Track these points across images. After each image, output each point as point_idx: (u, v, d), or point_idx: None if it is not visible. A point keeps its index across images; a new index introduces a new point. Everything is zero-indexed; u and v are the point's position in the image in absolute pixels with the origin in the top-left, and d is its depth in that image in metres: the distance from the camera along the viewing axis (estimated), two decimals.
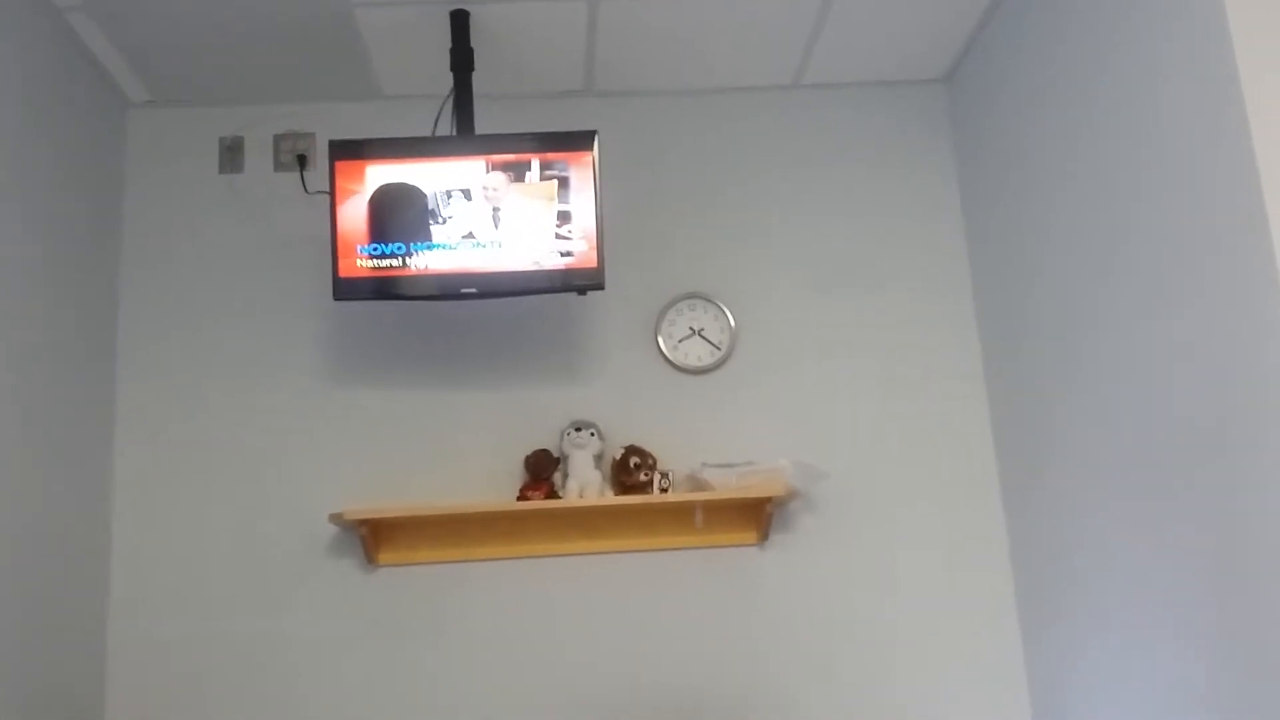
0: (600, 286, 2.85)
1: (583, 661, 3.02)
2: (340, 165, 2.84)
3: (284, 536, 3.06)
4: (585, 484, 2.99)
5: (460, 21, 2.92)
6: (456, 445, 3.12)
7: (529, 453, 3.05)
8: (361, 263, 2.81)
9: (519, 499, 3.01)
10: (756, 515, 3.06)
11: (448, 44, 2.94)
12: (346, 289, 2.82)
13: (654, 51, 3.14)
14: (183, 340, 3.16)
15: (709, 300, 3.23)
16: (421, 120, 3.08)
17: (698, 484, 3.02)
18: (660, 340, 3.21)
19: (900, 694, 3.03)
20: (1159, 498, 2.34)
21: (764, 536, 3.08)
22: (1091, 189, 2.57)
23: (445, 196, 2.84)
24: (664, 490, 3.01)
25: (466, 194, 2.84)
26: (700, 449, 3.10)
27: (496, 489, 3.08)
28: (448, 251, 2.82)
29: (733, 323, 3.22)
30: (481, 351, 3.19)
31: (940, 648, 3.06)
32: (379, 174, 2.83)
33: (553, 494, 3.01)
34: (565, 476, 3.03)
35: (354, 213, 2.82)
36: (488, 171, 2.84)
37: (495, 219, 2.83)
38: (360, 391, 3.15)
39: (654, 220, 3.29)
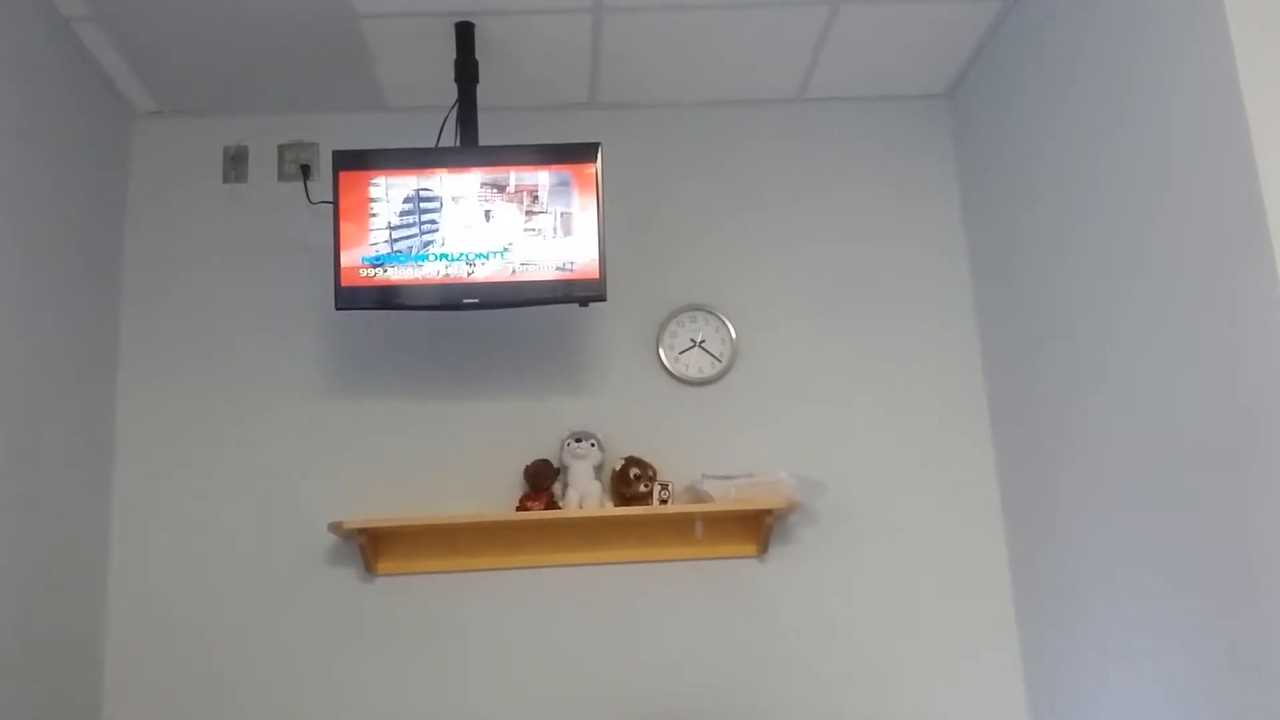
0: (602, 298, 2.86)
1: (582, 672, 3.02)
2: (344, 175, 2.85)
3: (283, 546, 3.06)
4: (585, 495, 2.99)
5: (465, 33, 2.93)
6: (456, 455, 3.13)
7: (529, 463, 3.06)
8: (364, 272, 2.82)
9: (518, 509, 3.01)
10: (756, 527, 3.06)
11: (452, 55, 2.95)
12: (349, 298, 2.82)
13: (658, 64, 3.15)
14: (184, 348, 3.17)
15: (710, 312, 3.24)
16: (425, 131, 3.10)
17: (697, 495, 3.02)
18: (661, 351, 3.21)
19: (899, 707, 3.03)
20: (1160, 513, 2.34)
21: (763, 548, 3.08)
22: (1094, 203, 2.57)
23: (449, 207, 2.85)
24: (664, 501, 3.01)
25: (470, 205, 2.85)
26: (700, 460, 3.11)
27: (496, 499, 3.09)
28: (450, 262, 2.83)
29: (734, 334, 3.23)
30: (482, 362, 3.19)
31: (940, 661, 3.06)
32: (382, 184, 2.85)
33: (552, 504, 3.02)
34: (565, 487, 3.03)
35: (357, 223, 2.83)
36: (491, 183, 2.85)
37: (498, 230, 2.84)
38: (361, 401, 3.16)
39: (656, 232, 3.29)
